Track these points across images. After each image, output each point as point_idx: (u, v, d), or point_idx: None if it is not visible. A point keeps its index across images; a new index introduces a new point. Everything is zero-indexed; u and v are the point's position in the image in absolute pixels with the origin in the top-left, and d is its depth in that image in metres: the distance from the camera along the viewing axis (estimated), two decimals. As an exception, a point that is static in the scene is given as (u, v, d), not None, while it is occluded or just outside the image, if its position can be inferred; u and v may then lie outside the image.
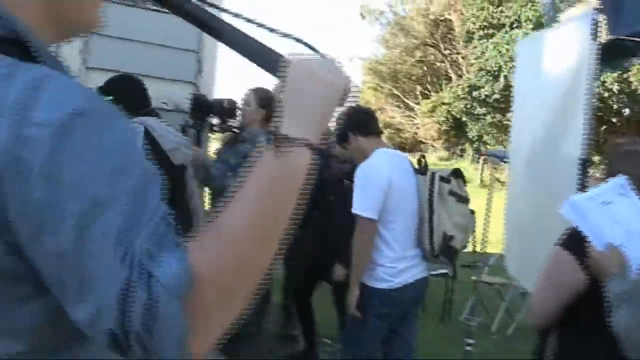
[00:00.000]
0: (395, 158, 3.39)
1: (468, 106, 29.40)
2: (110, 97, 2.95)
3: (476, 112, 29.21)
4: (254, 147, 3.03)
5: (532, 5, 25.18)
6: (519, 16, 26.25)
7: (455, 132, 34.77)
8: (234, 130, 3.89)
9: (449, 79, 38.51)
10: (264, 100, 3.87)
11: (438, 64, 41.25)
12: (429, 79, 41.49)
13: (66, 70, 0.87)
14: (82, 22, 0.95)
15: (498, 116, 27.78)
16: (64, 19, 0.91)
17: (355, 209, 3.18)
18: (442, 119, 34.14)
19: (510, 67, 25.92)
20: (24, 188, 0.70)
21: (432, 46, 41.09)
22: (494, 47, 26.77)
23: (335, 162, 4.14)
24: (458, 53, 38.02)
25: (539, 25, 25.24)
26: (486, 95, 27.40)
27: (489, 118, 28.65)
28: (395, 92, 41.70)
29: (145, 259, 0.70)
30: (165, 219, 0.75)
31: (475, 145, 31.59)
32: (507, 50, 25.84)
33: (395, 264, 3.23)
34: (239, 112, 3.87)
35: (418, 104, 39.76)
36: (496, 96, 27.19)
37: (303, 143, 0.87)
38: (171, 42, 3.89)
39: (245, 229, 0.80)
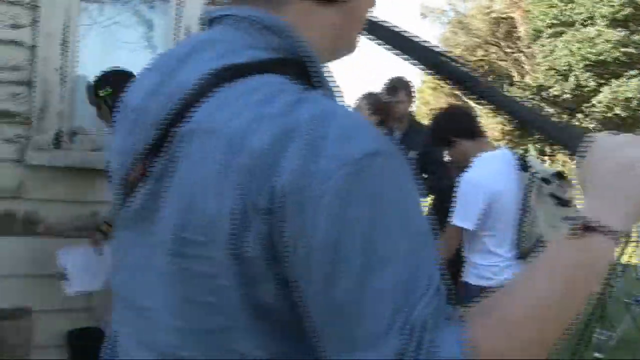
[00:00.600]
0: (499, 161, 3.21)
1: (536, 106, 28.66)
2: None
3: (544, 112, 28.42)
4: None
5: (608, 1, 24.24)
6: (592, 13, 25.31)
7: (520, 132, 33.97)
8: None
9: (511, 78, 37.76)
10: (377, 106, 3.72)
11: (500, 62, 40.44)
12: (491, 77, 40.78)
13: (340, 96, 0.81)
14: (349, 46, 0.91)
15: (565, 117, 26.97)
16: (339, 43, 0.88)
17: (455, 220, 3.12)
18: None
19: (582, 67, 25.08)
20: (305, 221, 0.64)
21: (494, 45, 40.30)
22: (564, 45, 25.94)
23: (453, 167, 3.91)
24: (521, 52, 37.19)
25: (614, 23, 24.34)
26: (555, 95, 26.60)
27: (556, 118, 27.84)
28: (455, 91, 41.09)
29: (424, 332, 0.63)
30: (440, 287, 0.67)
31: (538, 146, 30.81)
32: (579, 48, 25.00)
33: (498, 262, 3.18)
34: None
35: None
36: (566, 96, 26.38)
37: (614, 234, 0.75)
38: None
39: (532, 314, 0.71)
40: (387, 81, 4.47)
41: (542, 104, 28.12)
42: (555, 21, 27.79)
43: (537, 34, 29.90)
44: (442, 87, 42.87)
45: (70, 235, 3.27)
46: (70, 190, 3.27)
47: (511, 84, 37.54)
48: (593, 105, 24.53)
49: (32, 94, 3.13)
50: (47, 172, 3.19)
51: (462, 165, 3.51)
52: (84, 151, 3.28)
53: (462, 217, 3.12)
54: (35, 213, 3.21)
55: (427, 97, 48.18)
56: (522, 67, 37.59)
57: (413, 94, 4.59)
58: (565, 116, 27.07)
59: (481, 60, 40.29)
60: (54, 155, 3.18)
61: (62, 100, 3.19)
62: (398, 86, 4.48)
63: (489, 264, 3.20)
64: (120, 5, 3.49)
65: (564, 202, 3.22)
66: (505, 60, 39.58)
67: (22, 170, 3.15)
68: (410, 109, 4.52)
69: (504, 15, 38.73)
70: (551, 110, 27.80)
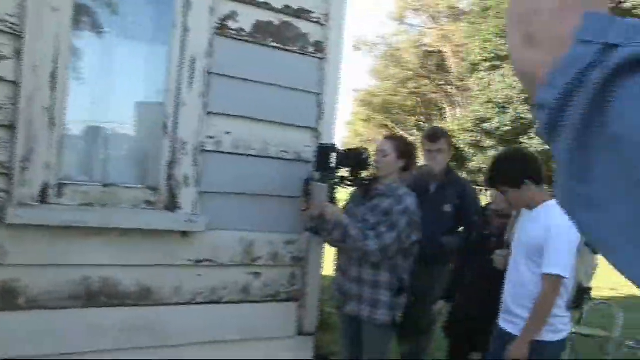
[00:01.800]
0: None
1: (475, 138, 29.12)
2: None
3: (482, 145, 28.93)
4: (396, 201, 2.51)
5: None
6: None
7: (456, 164, 34.55)
8: (365, 182, 3.34)
9: (441, 110, 38.60)
10: (404, 151, 3.35)
11: (432, 94, 41.28)
12: (422, 110, 41.55)
13: None
14: None
15: (502, 148, 27.55)
16: None
17: (555, 270, 3.03)
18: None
19: (521, 100, 25.73)
20: None
21: (425, 77, 41.18)
22: (502, 78, 26.62)
23: (495, 216, 3.62)
24: (451, 84, 38.12)
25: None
26: (496, 128, 27.16)
27: (493, 150, 28.34)
28: (387, 122, 41.70)
29: None
30: None
31: (473, 177, 31.35)
32: (517, 81, 25.66)
33: (566, 313, 3.20)
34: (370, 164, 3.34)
35: (412, 135, 39.64)
36: (505, 128, 26.97)
37: None
38: (289, 82, 3.37)
39: None
40: (428, 128, 4.28)
41: (482, 136, 28.66)
42: (491, 55, 28.54)
43: (473, 68, 30.66)
44: (374, 118, 43.44)
45: (58, 307, 2.72)
46: (59, 253, 2.73)
47: (441, 116, 38.34)
48: (532, 138, 25.08)
49: (15, 139, 2.59)
50: (32, 232, 2.64)
51: (508, 213, 3.31)
52: (74, 207, 2.75)
53: (563, 266, 3.04)
54: (16, 282, 2.65)
55: (360, 129, 48.50)
56: (453, 99, 38.54)
57: (451, 144, 4.36)
58: (502, 147, 27.65)
59: (412, 92, 41.06)
60: (40, 212, 2.64)
61: (50, 147, 2.66)
62: (440, 134, 4.22)
63: (563, 315, 3.17)
64: (116, 35, 3.01)
65: (595, 251, 3.36)
66: (437, 93, 40.45)
67: (2, 231, 2.60)
68: (449, 160, 4.26)
69: (434, 49, 39.71)
70: (491, 142, 28.35)
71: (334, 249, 3.66)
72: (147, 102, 3.11)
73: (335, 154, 3.27)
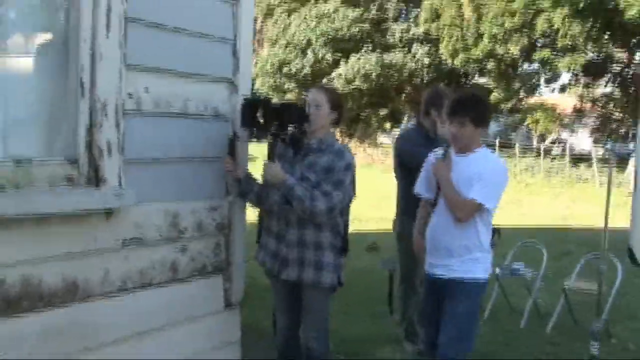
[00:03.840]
0: None
1: (275, 82, 29.37)
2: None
3: (283, 88, 29.32)
4: (337, 157, 2.42)
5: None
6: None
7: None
8: (298, 137, 3.07)
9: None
10: (336, 102, 3.14)
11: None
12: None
13: None
14: None
15: (305, 92, 28.19)
16: None
17: (481, 199, 3.10)
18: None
19: (322, 42, 26.36)
20: None
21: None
22: (303, 21, 26.95)
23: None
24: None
25: (347, 1, 25.94)
26: (296, 70, 27.58)
27: (293, 94, 28.97)
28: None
29: None
30: None
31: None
32: (317, 24, 26.18)
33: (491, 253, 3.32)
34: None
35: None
36: (306, 71, 27.53)
37: None
38: (204, 28, 2.93)
39: None
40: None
41: (284, 79, 28.98)
42: (288, -2, 28.69)
43: (270, 11, 30.61)
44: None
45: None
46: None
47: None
48: (333, 79, 25.98)
49: None
50: None
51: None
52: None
53: (492, 202, 3.14)
54: None
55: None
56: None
57: None
58: (304, 91, 28.30)
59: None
60: None
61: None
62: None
63: (490, 256, 3.28)
64: None
65: None
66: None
67: None
68: None
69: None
70: (292, 85, 28.84)
71: (256, 213, 3.38)
72: (56, 54, 2.48)
73: (267, 109, 2.96)
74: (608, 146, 24.42)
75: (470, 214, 3.11)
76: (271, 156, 2.98)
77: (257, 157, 3.96)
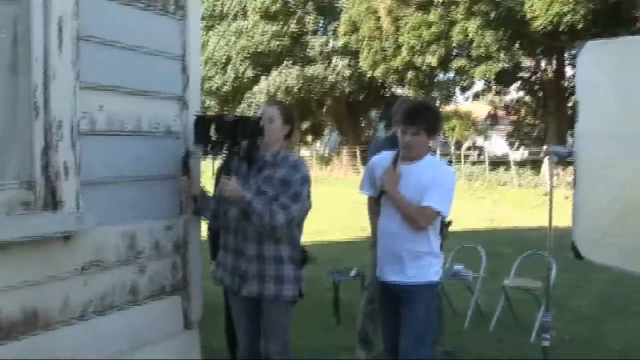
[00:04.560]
0: None
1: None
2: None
3: (206, 105, 28.98)
4: (293, 170, 2.47)
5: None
6: (245, 7, 26.59)
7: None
8: (251, 152, 3.06)
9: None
10: (289, 116, 3.16)
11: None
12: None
13: None
14: None
15: (227, 108, 27.91)
16: None
17: (437, 206, 3.16)
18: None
19: (242, 58, 26.25)
20: None
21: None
22: (221, 37, 26.75)
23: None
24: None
25: (266, 16, 26.00)
26: (217, 87, 27.31)
27: (214, 110, 28.65)
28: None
29: None
30: None
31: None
32: (236, 40, 26.06)
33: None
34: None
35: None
36: (227, 87, 27.30)
37: None
38: (149, 44, 2.88)
39: None
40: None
41: (205, 97, 28.63)
42: (205, 13, 28.38)
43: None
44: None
45: None
46: None
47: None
48: (254, 95, 25.91)
49: None
50: None
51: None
52: None
53: (448, 208, 3.21)
54: None
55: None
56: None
57: None
58: (226, 108, 28.08)
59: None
60: None
61: None
62: None
63: (440, 259, 3.38)
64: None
65: None
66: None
67: None
68: None
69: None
70: (213, 102, 28.54)
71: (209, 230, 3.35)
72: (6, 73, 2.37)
73: (220, 124, 2.93)
74: (545, 147, 25.54)
75: (430, 221, 3.18)
76: (227, 172, 2.95)
77: (203, 171, 3.92)
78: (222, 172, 2.96)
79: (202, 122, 2.97)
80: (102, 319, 2.65)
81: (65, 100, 2.41)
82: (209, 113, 3.05)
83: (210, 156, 3.03)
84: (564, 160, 4.44)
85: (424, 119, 3.19)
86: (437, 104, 27.72)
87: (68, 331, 2.48)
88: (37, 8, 2.31)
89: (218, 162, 3.17)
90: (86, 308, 2.57)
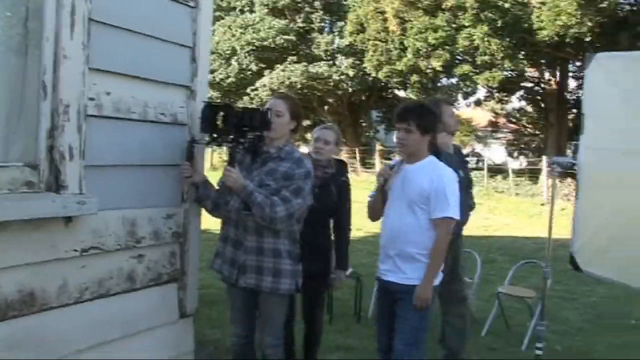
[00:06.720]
0: None
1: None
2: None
3: (208, 96, 28.87)
4: (296, 165, 2.50)
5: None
6: (252, 0, 26.55)
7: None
8: (258, 144, 3.06)
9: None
10: (296, 112, 3.16)
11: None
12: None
13: None
14: None
15: (231, 100, 27.85)
16: None
17: (452, 214, 3.20)
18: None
19: (247, 52, 26.20)
20: None
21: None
22: (227, 30, 26.71)
23: (320, 168, 3.63)
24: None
25: (273, 11, 25.95)
26: (221, 79, 27.26)
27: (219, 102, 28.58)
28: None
29: None
30: None
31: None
32: (242, 34, 26.02)
33: None
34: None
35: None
36: (230, 80, 27.24)
37: None
38: (160, 32, 2.87)
39: None
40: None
41: (208, 88, 28.56)
42: (213, 6, 28.36)
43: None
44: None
45: None
46: None
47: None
48: (257, 89, 25.86)
49: None
50: None
51: (326, 165, 3.78)
52: None
53: (457, 210, 3.21)
54: None
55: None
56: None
57: None
58: (230, 99, 28.00)
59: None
60: None
61: None
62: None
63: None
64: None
65: None
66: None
67: None
68: None
69: None
70: (216, 94, 28.48)
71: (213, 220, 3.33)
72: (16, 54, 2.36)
73: (229, 114, 2.92)
74: (548, 157, 25.59)
75: (450, 231, 3.24)
76: (231, 162, 2.95)
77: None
78: (229, 163, 2.97)
79: (210, 110, 2.97)
80: (97, 304, 2.64)
81: (73, 83, 2.40)
82: (217, 101, 3.01)
83: (214, 144, 3.03)
84: (566, 172, 4.44)
85: (415, 116, 3.19)
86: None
87: (63, 314, 2.47)
88: (50, -12, 2.30)
89: (218, 152, 3.18)
90: (83, 292, 2.56)
